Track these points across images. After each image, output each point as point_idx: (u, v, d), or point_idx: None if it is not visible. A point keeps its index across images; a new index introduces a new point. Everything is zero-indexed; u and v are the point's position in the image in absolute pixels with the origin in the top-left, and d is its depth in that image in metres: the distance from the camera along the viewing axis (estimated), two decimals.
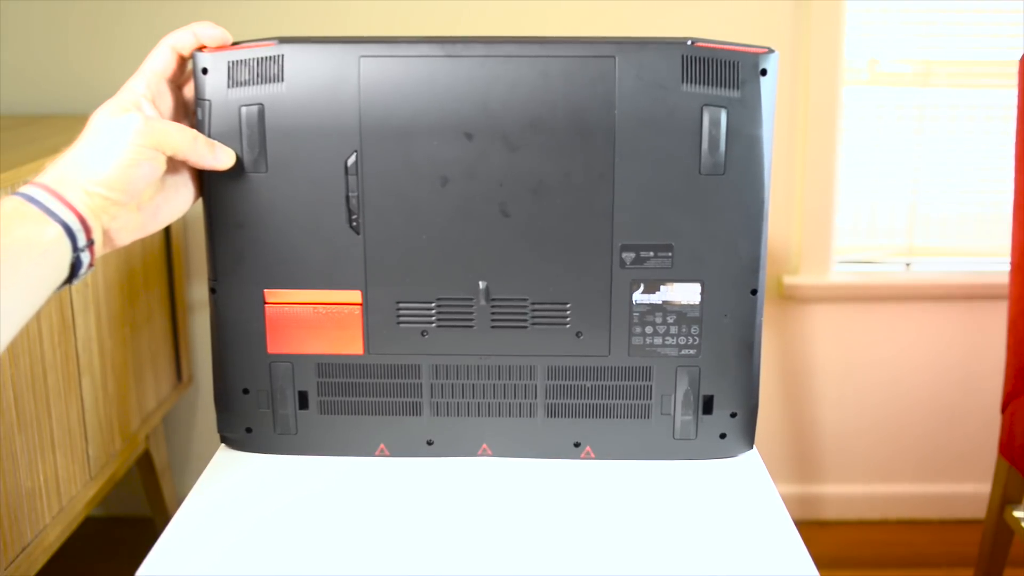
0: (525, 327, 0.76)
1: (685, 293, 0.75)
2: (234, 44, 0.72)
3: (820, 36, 1.72)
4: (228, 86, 0.71)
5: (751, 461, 0.79)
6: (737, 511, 0.73)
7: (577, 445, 0.79)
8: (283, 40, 0.72)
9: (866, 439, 1.94)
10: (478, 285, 0.75)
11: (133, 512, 1.94)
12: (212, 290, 0.76)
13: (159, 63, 0.70)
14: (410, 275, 0.75)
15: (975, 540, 1.61)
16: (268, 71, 0.71)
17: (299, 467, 0.78)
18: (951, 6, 1.76)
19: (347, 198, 0.73)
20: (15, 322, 0.59)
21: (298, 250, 0.74)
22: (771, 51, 0.71)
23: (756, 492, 0.75)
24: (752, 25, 1.72)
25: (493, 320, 0.76)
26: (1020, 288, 1.43)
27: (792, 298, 1.85)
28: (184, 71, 0.73)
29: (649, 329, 0.76)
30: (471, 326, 0.76)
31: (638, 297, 0.75)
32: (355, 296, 0.76)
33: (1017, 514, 1.47)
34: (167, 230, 1.65)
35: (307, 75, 0.71)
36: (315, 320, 0.76)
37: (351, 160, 0.73)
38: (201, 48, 0.71)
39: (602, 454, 0.79)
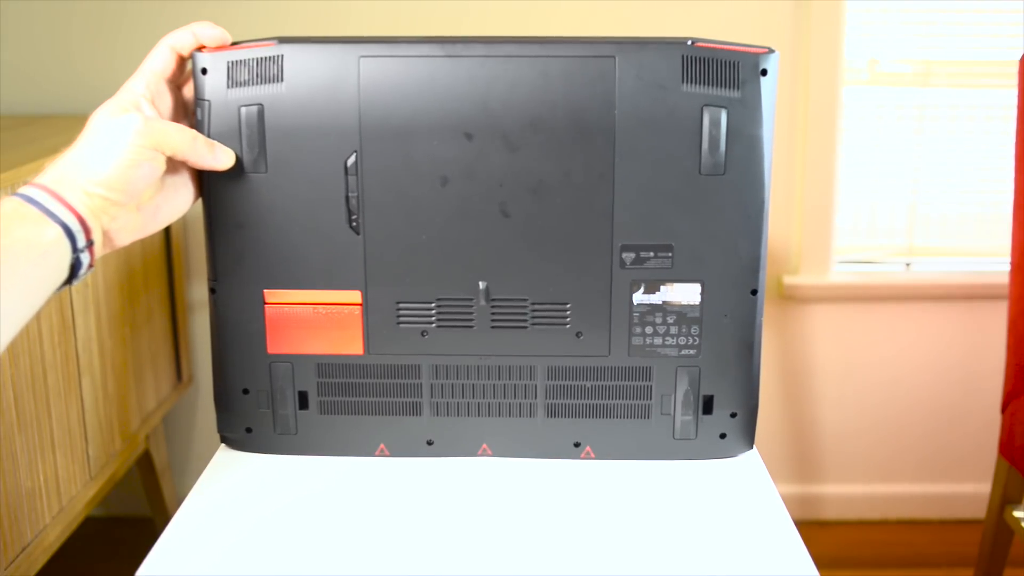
0: (525, 327, 0.76)
1: (685, 293, 0.75)
2: (233, 44, 0.72)
3: (820, 36, 1.72)
4: (228, 86, 0.71)
5: (751, 461, 0.79)
6: (737, 511, 0.73)
7: (577, 445, 0.79)
8: (282, 40, 0.71)
9: (866, 439, 1.94)
10: (478, 285, 0.75)
11: (133, 512, 1.94)
12: (212, 290, 0.76)
13: (158, 63, 0.70)
14: (410, 275, 0.75)
15: (975, 540, 1.61)
16: (267, 71, 0.71)
17: (299, 467, 0.78)
18: (951, 6, 1.76)
19: (347, 198, 0.73)
20: (15, 323, 0.59)
21: (298, 250, 0.74)
22: (771, 51, 0.71)
23: (756, 492, 0.75)
24: (752, 25, 1.72)
25: (493, 320, 0.76)
26: (1020, 288, 1.43)
27: (792, 298, 1.85)
28: (184, 71, 0.73)
29: (649, 329, 0.76)
30: (471, 326, 0.76)
31: (638, 297, 0.75)
32: (355, 296, 0.76)
33: (1017, 514, 1.47)
34: (167, 230, 1.65)
35: (307, 75, 0.71)
36: (315, 320, 0.76)
37: (351, 160, 0.73)
38: (200, 48, 0.71)
39: (602, 454, 0.79)
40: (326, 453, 0.80)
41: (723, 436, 0.79)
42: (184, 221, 1.75)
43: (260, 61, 0.71)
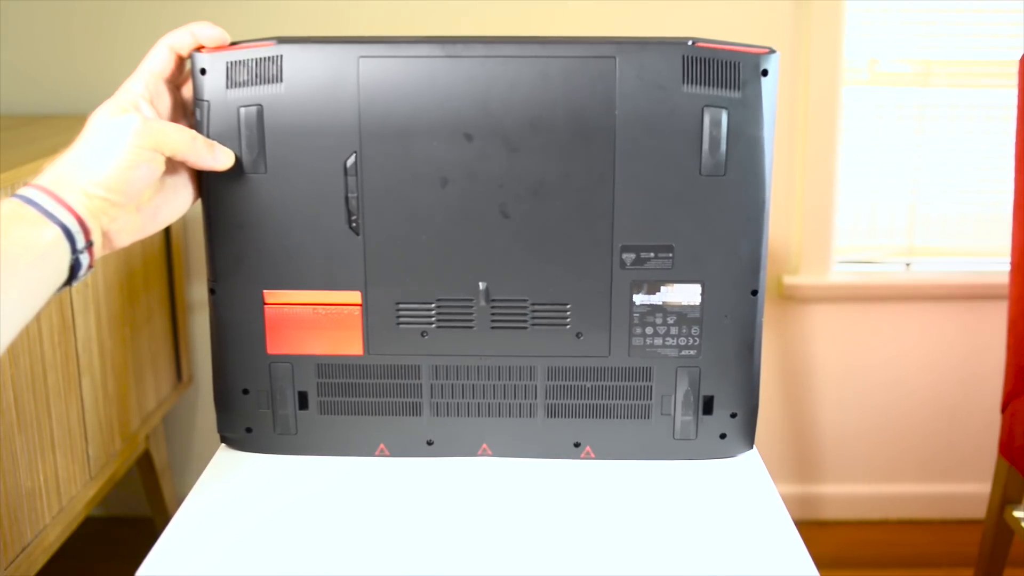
0: (525, 328, 0.76)
1: (685, 294, 0.75)
2: (232, 44, 0.72)
3: (820, 36, 1.72)
4: (227, 87, 0.71)
5: (751, 461, 0.79)
6: (737, 511, 0.73)
7: (577, 445, 0.79)
8: (282, 40, 0.71)
9: (866, 439, 1.94)
10: (478, 286, 0.75)
11: (133, 512, 1.94)
12: (211, 291, 0.76)
13: (157, 63, 0.70)
14: (410, 276, 0.75)
15: (975, 540, 1.61)
16: (267, 72, 0.71)
17: (299, 467, 0.78)
18: (951, 6, 1.76)
19: (346, 199, 0.73)
20: (14, 324, 0.58)
21: (297, 251, 0.74)
22: (772, 51, 0.71)
23: (756, 492, 0.75)
24: (752, 25, 1.72)
25: (493, 321, 0.76)
26: (1020, 288, 1.43)
27: (792, 298, 1.85)
28: (182, 71, 0.72)
29: (649, 330, 0.76)
30: (471, 327, 0.76)
31: (638, 298, 0.75)
32: (355, 297, 0.76)
33: (1017, 514, 1.47)
34: (167, 230, 1.65)
35: (306, 75, 0.71)
36: (315, 321, 0.76)
37: (350, 161, 0.72)
38: (199, 48, 0.71)
39: (602, 454, 0.79)
40: (326, 453, 0.80)
41: (723, 436, 0.79)
42: (184, 221, 1.75)
43: (259, 61, 0.71)
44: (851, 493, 1.97)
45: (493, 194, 0.73)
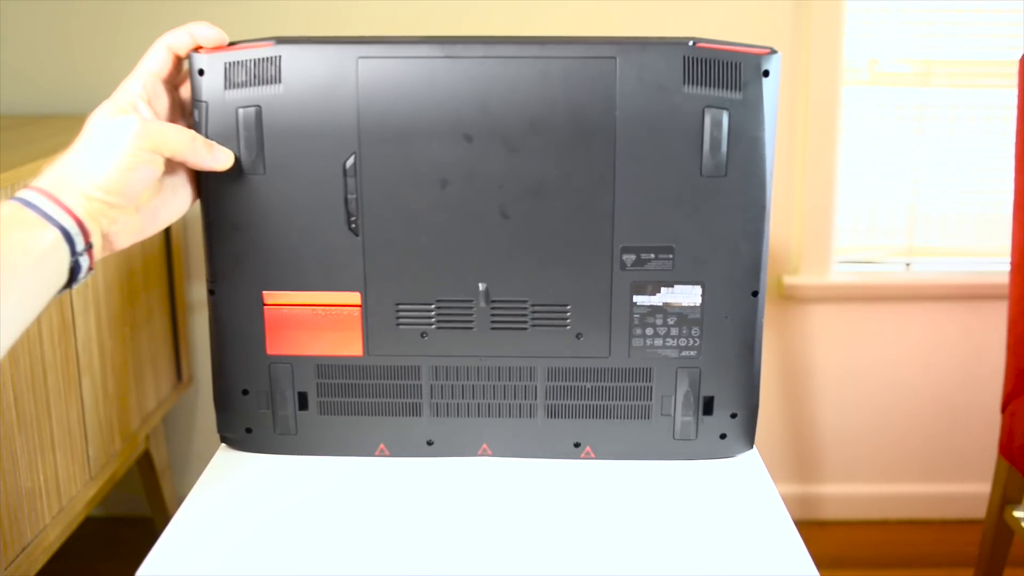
0: (525, 329, 0.76)
1: (686, 295, 0.75)
2: (231, 44, 0.71)
3: (820, 36, 1.72)
4: (225, 87, 0.71)
5: (751, 461, 0.79)
6: (737, 511, 0.73)
7: (577, 445, 0.79)
8: (280, 40, 0.71)
9: (866, 439, 1.94)
10: (478, 287, 0.75)
11: (133, 512, 1.94)
12: (211, 291, 0.76)
13: (155, 63, 0.69)
14: (409, 277, 0.75)
15: (975, 540, 1.61)
16: (265, 72, 0.71)
17: (299, 467, 0.78)
18: (951, 6, 1.76)
19: (346, 200, 0.73)
20: (15, 327, 0.58)
21: (296, 252, 0.74)
22: (774, 52, 0.71)
23: (756, 492, 0.75)
24: (752, 25, 1.72)
25: (493, 322, 0.76)
26: (1020, 288, 1.43)
27: (792, 298, 1.85)
28: (180, 71, 0.72)
29: (650, 331, 0.76)
30: (471, 327, 0.76)
31: (639, 299, 0.75)
32: (354, 298, 0.75)
33: (1017, 514, 1.47)
34: (167, 230, 1.65)
35: (305, 76, 0.71)
36: (314, 322, 0.76)
37: (350, 162, 0.72)
38: (197, 48, 0.71)
39: (602, 454, 0.79)
40: (326, 453, 0.80)
41: (723, 436, 0.79)
42: (184, 221, 1.75)
43: (258, 62, 0.71)
44: (851, 493, 1.97)
45: (493, 195, 0.73)
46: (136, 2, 1.68)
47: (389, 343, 0.76)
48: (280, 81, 0.71)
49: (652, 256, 0.74)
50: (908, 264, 1.88)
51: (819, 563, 0.67)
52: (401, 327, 0.76)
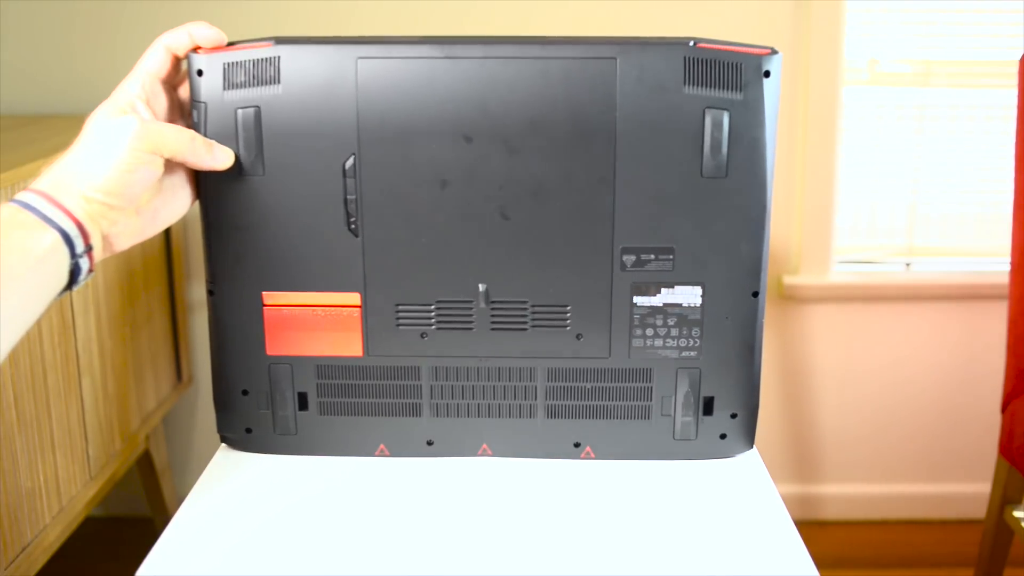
0: (525, 329, 0.76)
1: (686, 296, 0.75)
2: (230, 44, 0.71)
3: (820, 36, 1.72)
4: (224, 88, 0.71)
5: (751, 461, 0.79)
6: (737, 511, 0.73)
7: (577, 445, 0.79)
8: (279, 40, 0.71)
9: (866, 439, 1.94)
10: (478, 288, 0.75)
11: (133, 512, 1.94)
12: (210, 292, 0.76)
13: (153, 63, 0.69)
14: (409, 278, 0.75)
15: (975, 540, 1.61)
16: (264, 73, 0.71)
17: (299, 467, 0.78)
18: (951, 6, 1.76)
19: (345, 201, 0.73)
20: (15, 330, 0.58)
21: (296, 252, 0.74)
22: (775, 52, 0.71)
23: (756, 492, 0.75)
24: (752, 25, 1.72)
25: (493, 322, 0.76)
26: (1020, 288, 1.43)
27: (792, 298, 1.85)
28: (179, 71, 0.72)
29: (650, 331, 0.76)
30: (471, 328, 0.76)
31: (639, 300, 0.75)
32: (354, 298, 0.75)
33: (1017, 514, 1.47)
34: (167, 230, 1.65)
35: (304, 77, 0.71)
36: (314, 322, 0.76)
37: (349, 163, 0.72)
38: (196, 49, 0.70)
39: (602, 454, 0.79)
40: (326, 453, 0.80)
41: (723, 436, 0.79)
42: (184, 221, 1.75)
43: (256, 63, 0.71)
44: (851, 493, 1.97)
45: (493, 196, 0.73)
46: (136, 2, 1.68)
47: (389, 344, 0.76)
48: (279, 82, 0.71)
49: (652, 257, 0.74)
50: (908, 264, 1.88)
51: (819, 563, 0.67)
52: (401, 328, 0.76)
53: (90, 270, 0.63)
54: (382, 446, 0.79)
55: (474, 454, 0.80)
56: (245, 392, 0.78)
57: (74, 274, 0.62)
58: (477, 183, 0.72)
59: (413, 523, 0.71)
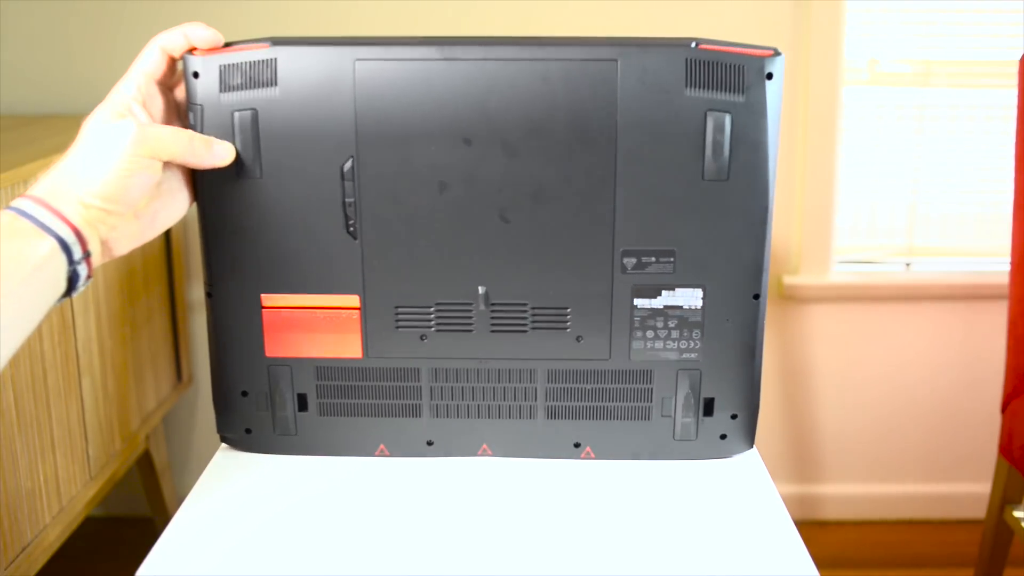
0: (525, 331, 0.76)
1: (687, 298, 0.75)
2: (226, 45, 0.70)
3: (820, 36, 1.72)
4: (220, 90, 0.70)
5: (751, 461, 0.79)
6: (737, 511, 0.73)
7: (577, 446, 0.79)
8: (276, 41, 0.70)
9: (866, 439, 1.94)
10: (477, 290, 0.75)
11: (133, 512, 1.94)
12: (208, 294, 0.76)
13: (149, 65, 0.68)
14: (408, 280, 0.74)
15: (975, 540, 1.61)
16: (261, 75, 0.70)
17: (299, 467, 0.78)
18: (951, 6, 1.76)
19: (343, 203, 0.73)
20: (13, 339, 0.58)
21: (294, 255, 0.74)
22: (777, 53, 0.70)
23: (756, 492, 0.75)
24: (752, 25, 1.72)
25: (493, 324, 0.76)
26: (1020, 288, 1.43)
27: (792, 298, 1.85)
28: (175, 73, 0.71)
29: (650, 333, 0.76)
30: (470, 330, 0.76)
31: (639, 302, 0.75)
32: (353, 301, 0.75)
33: (1017, 514, 1.47)
34: (167, 230, 1.65)
35: (301, 79, 0.70)
36: (313, 324, 0.76)
37: (347, 165, 0.72)
38: (192, 50, 0.70)
39: (602, 454, 0.79)
40: (326, 453, 0.80)
41: (723, 437, 0.79)
42: (184, 221, 1.74)
43: (253, 64, 0.70)
44: (851, 493, 1.97)
45: (492, 199, 0.72)
46: (136, 2, 1.68)
47: (388, 346, 0.76)
48: (276, 83, 0.70)
49: (653, 260, 0.74)
50: (908, 264, 1.88)
51: (819, 563, 0.67)
52: (400, 330, 0.76)
53: (88, 276, 0.63)
54: (382, 446, 0.79)
55: (474, 454, 0.79)
56: (244, 393, 0.78)
57: (72, 281, 0.61)
58: (477, 185, 0.72)
59: (413, 523, 0.71)
